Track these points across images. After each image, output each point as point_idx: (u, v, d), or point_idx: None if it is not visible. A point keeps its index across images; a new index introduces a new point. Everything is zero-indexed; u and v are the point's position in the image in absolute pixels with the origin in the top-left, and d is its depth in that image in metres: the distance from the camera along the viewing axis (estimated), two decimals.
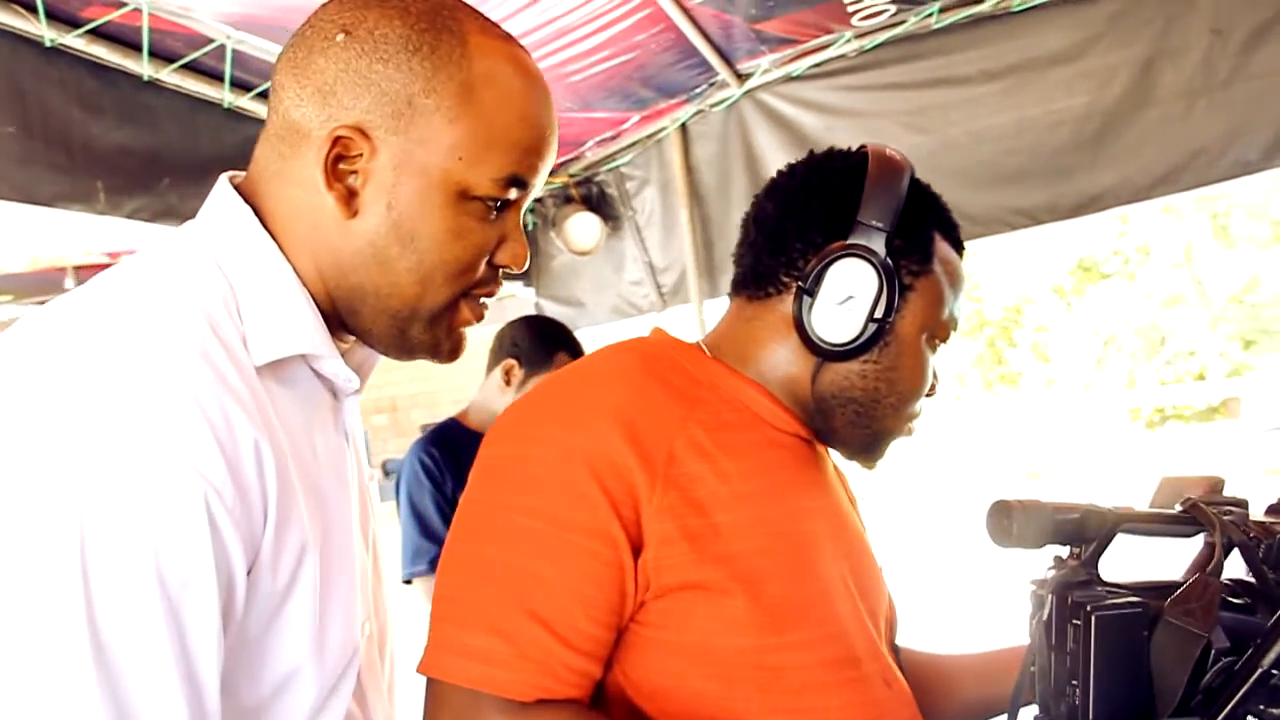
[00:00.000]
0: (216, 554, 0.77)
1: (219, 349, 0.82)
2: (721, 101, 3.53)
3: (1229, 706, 0.82)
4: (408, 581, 2.76)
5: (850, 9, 3.09)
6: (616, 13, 2.81)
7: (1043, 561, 0.97)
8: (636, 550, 0.98)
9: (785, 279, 1.12)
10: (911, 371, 1.13)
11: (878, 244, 1.07)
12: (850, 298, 1.07)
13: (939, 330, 1.15)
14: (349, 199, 0.89)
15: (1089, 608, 0.87)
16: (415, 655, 1.00)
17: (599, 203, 3.91)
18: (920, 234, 1.12)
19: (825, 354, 1.10)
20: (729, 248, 1.22)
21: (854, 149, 1.16)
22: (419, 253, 0.90)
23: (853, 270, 1.07)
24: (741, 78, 3.43)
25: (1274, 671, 0.82)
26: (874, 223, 1.07)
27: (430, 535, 2.70)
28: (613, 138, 3.73)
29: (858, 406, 1.13)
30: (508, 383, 2.79)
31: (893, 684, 1.11)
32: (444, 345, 0.97)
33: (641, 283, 3.92)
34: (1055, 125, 3.42)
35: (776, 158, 3.40)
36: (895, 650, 1.20)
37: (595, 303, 4.05)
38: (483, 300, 0.98)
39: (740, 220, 1.20)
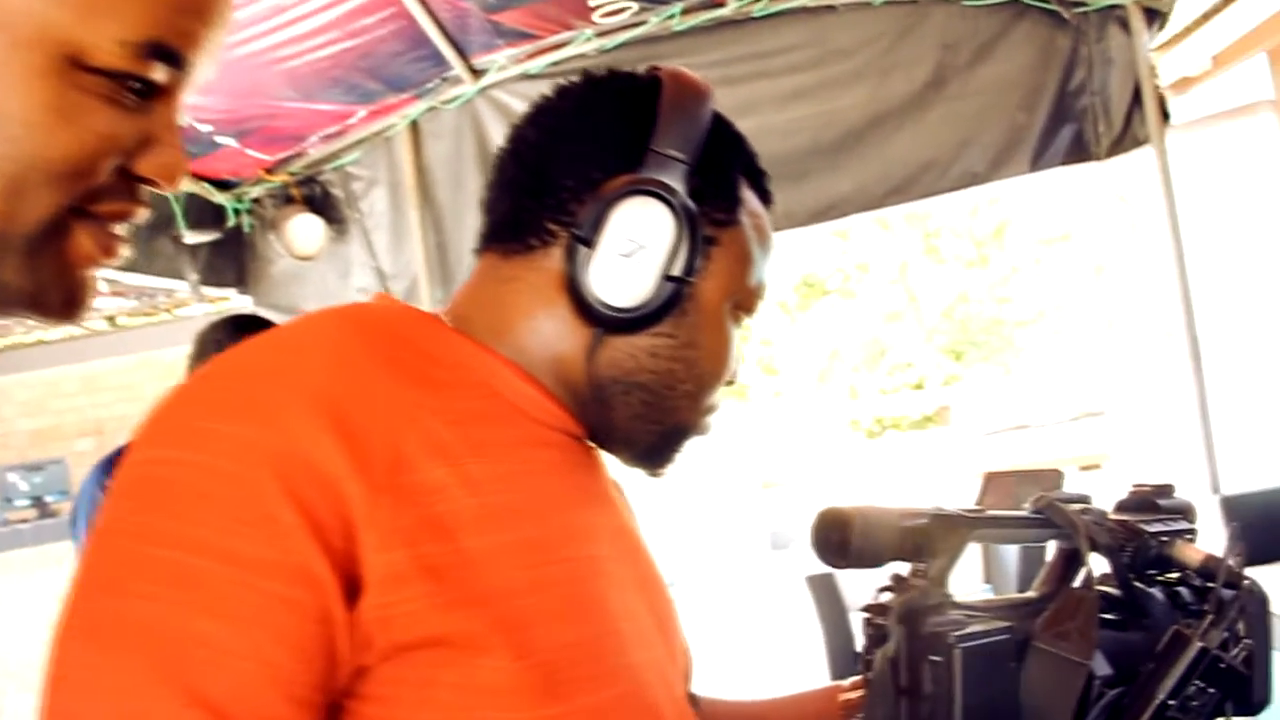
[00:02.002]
0: None
1: None
2: (455, 98, 3.34)
3: None
4: None
5: (592, 5, 2.98)
6: None
7: (863, 583, 0.80)
8: (351, 594, 0.69)
9: (553, 226, 0.85)
10: (713, 349, 0.89)
11: (676, 181, 0.84)
12: (640, 249, 0.82)
13: (745, 299, 0.92)
14: None
15: (952, 639, 0.70)
16: None
17: (322, 204, 3.62)
18: (725, 175, 0.89)
19: (606, 323, 0.84)
20: (463, 254, 0.98)
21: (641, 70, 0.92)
22: (4, 141, 0.59)
23: (644, 213, 0.82)
24: (476, 73, 3.26)
25: (1171, 703, 0.68)
26: (671, 153, 0.84)
27: None
28: (338, 133, 3.46)
29: (646, 394, 0.87)
30: None
31: None
32: (51, 292, 0.65)
33: (369, 290, 3.65)
34: (793, 132, 3.42)
35: None
36: (693, 702, 0.97)
37: None
38: (115, 229, 0.66)
39: (476, 225, 0.94)
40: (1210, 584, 0.74)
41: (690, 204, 0.83)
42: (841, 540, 0.75)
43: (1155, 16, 3.41)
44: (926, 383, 15.16)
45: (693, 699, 0.97)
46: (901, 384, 15.44)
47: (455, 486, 0.74)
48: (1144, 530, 0.76)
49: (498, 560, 0.74)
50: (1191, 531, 0.78)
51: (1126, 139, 3.50)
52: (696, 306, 0.87)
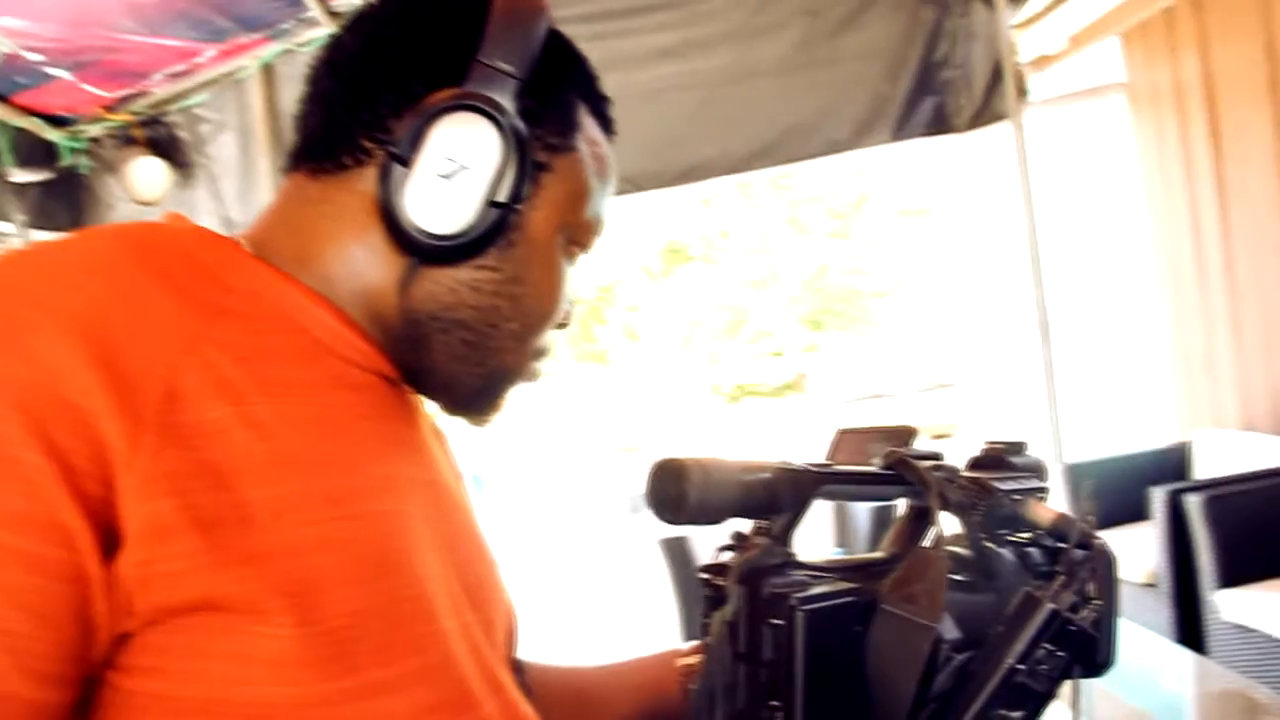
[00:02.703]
0: None
1: None
2: (312, 41, 3.20)
3: (970, 715, 0.63)
4: None
5: None
6: None
7: (704, 541, 0.75)
8: (109, 548, 0.60)
9: (368, 144, 0.77)
10: (542, 285, 0.82)
11: (505, 97, 0.75)
12: (461, 170, 0.74)
13: (580, 233, 0.85)
14: None
15: (794, 601, 0.65)
16: None
17: (167, 147, 3.44)
18: (561, 96, 0.82)
19: (423, 252, 0.76)
20: None
21: None
22: None
23: (467, 131, 0.74)
24: (335, 15, 3.12)
25: (1020, 667, 0.64)
26: (501, 65, 0.76)
27: None
28: (185, 72, 3.29)
29: (467, 332, 0.80)
30: None
31: None
32: None
33: None
34: (659, 91, 3.39)
35: None
36: (518, 670, 0.88)
37: None
38: None
39: None
40: (1062, 544, 0.72)
41: (520, 124, 0.76)
42: (678, 494, 0.70)
43: None
44: (786, 351, 15.38)
45: (518, 665, 0.90)
46: (762, 351, 15.63)
47: (238, 429, 0.65)
48: (996, 488, 0.73)
49: (283, 514, 0.65)
50: (1044, 490, 0.76)
51: (986, 113, 3.56)
52: (524, 238, 0.79)
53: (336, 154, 0.78)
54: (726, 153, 3.48)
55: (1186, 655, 2.16)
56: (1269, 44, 4.29)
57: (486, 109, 0.74)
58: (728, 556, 0.73)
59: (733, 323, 15.78)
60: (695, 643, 0.99)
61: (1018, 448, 0.80)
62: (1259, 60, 4.34)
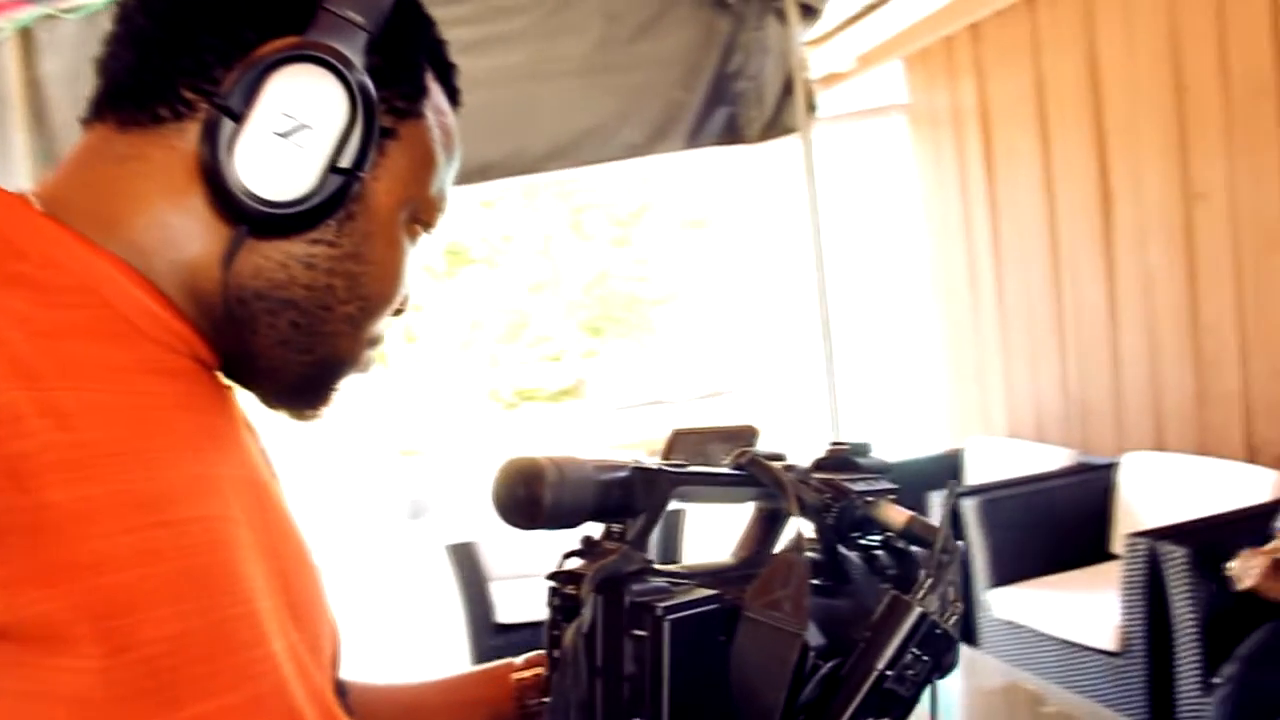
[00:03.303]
0: None
1: None
2: (79, 8, 2.97)
3: None
4: None
5: None
6: None
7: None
8: None
9: (190, 95, 0.67)
10: (383, 265, 0.73)
11: (353, 51, 0.67)
12: (301, 129, 0.65)
13: (424, 210, 0.77)
14: None
15: (660, 610, 0.61)
16: None
17: None
18: (411, 57, 0.74)
19: (253, 220, 0.66)
20: None
21: None
22: None
23: (310, 85, 0.65)
24: None
25: (889, 672, 0.62)
26: (350, 15, 0.67)
27: None
28: None
29: (297, 314, 0.70)
30: None
31: None
32: None
33: None
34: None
35: None
36: (341, 692, 0.78)
37: None
38: None
39: None
40: (916, 547, 0.71)
41: (368, 82, 0.67)
42: (532, 497, 0.64)
43: (810, 12, 3.55)
44: (565, 356, 15.41)
45: (341, 687, 0.81)
46: (541, 356, 15.61)
47: (35, 418, 0.55)
48: (850, 489, 0.72)
49: (90, 520, 0.55)
50: (894, 491, 0.75)
51: (776, 126, 3.64)
52: (366, 211, 0.71)
53: (152, 104, 0.67)
54: (520, 152, 3.43)
55: (963, 651, 2.25)
56: (1038, 77, 4.56)
57: (333, 62, 0.66)
58: (576, 563, 0.68)
59: (513, 326, 15.71)
60: (529, 655, 0.94)
61: (863, 449, 0.78)
62: (1029, 90, 4.62)
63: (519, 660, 0.95)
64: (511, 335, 15.75)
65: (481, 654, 3.99)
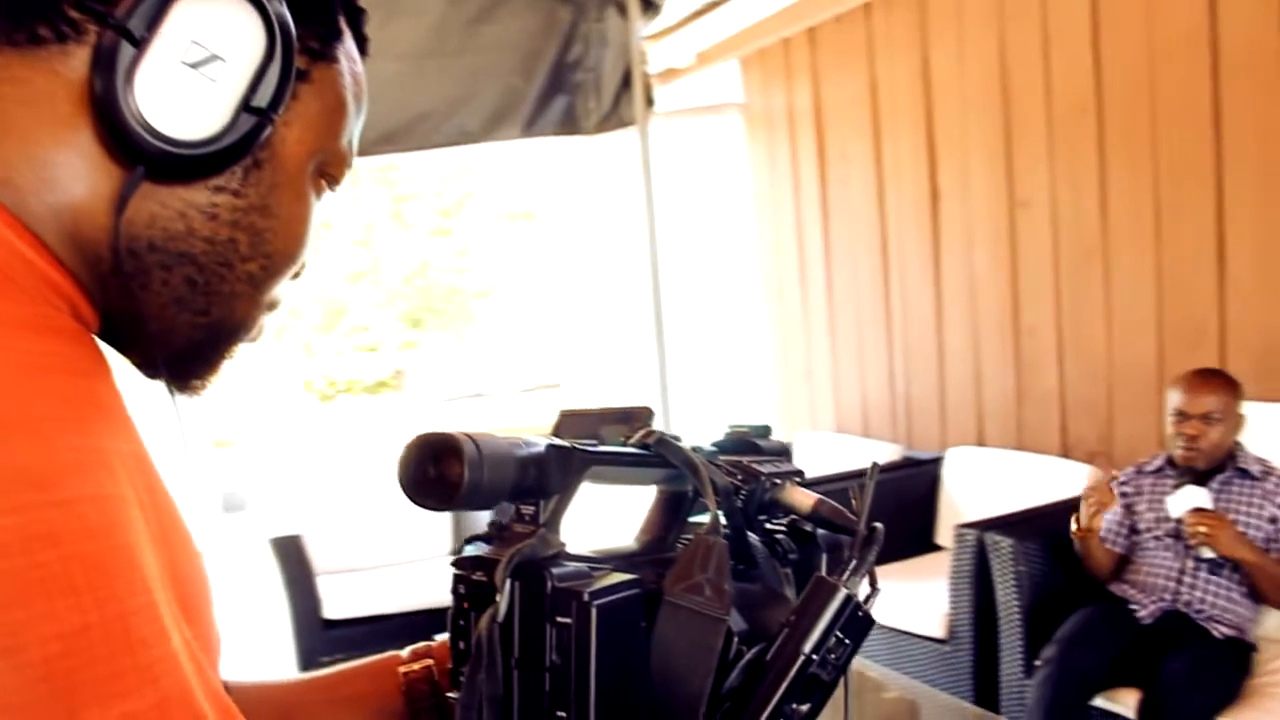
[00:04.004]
0: None
1: None
2: None
3: (767, 712, 0.59)
4: None
5: None
6: None
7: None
8: None
9: (77, 15, 0.58)
10: (290, 220, 0.67)
11: None
12: (214, 59, 0.59)
13: (332, 163, 0.70)
14: None
15: (586, 596, 0.58)
16: None
17: None
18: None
19: (152, 161, 0.59)
20: None
21: None
22: None
23: (223, 12, 0.59)
24: None
25: (814, 657, 0.60)
26: None
27: None
28: None
29: (194, 270, 0.63)
30: None
31: None
32: None
33: None
34: None
35: None
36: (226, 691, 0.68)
37: None
38: None
39: None
40: (820, 529, 0.71)
41: (287, 14, 0.62)
42: (448, 476, 0.59)
43: (650, 6, 3.57)
44: (383, 347, 15.11)
45: (225, 687, 0.71)
46: (357, 346, 15.27)
47: None
48: (760, 471, 0.71)
49: None
50: (800, 474, 0.75)
51: (614, 118, 3.64)
52: (275, 159, 0.65)
53: (29, 22, 0.59)
54: None
55: None
56: (872, 82, 4.68)
57: None
58: (481, 548, 0.64)
59: (330, 315, 15.31)
60: (416, 647, 0.89)
61: (764, 431, 0.78)
62: (864, 94, 4.74)
63: (405, 653, 0.90)
64: (328, 325, 15.35)
65: (309, 651, 3.87)
